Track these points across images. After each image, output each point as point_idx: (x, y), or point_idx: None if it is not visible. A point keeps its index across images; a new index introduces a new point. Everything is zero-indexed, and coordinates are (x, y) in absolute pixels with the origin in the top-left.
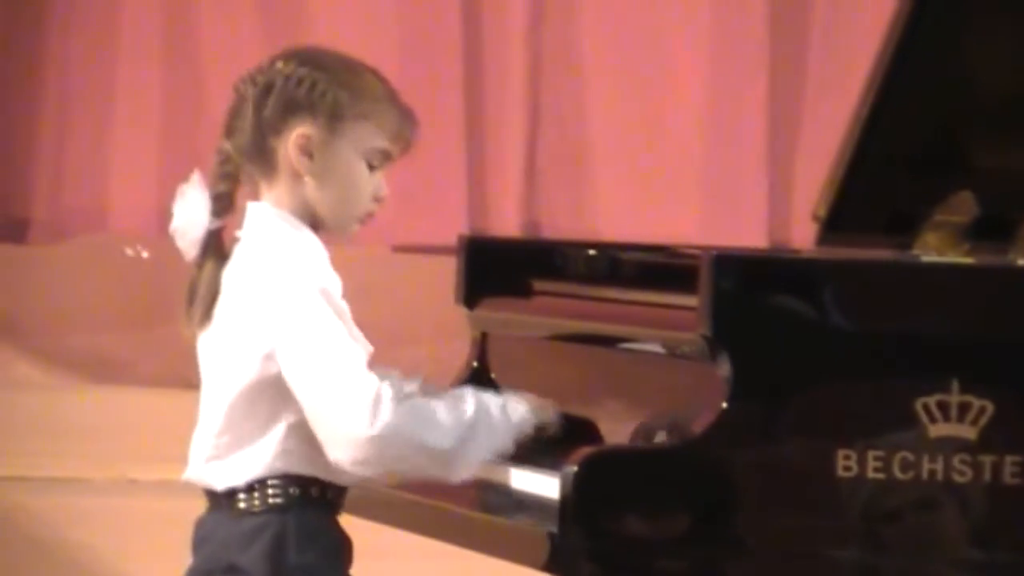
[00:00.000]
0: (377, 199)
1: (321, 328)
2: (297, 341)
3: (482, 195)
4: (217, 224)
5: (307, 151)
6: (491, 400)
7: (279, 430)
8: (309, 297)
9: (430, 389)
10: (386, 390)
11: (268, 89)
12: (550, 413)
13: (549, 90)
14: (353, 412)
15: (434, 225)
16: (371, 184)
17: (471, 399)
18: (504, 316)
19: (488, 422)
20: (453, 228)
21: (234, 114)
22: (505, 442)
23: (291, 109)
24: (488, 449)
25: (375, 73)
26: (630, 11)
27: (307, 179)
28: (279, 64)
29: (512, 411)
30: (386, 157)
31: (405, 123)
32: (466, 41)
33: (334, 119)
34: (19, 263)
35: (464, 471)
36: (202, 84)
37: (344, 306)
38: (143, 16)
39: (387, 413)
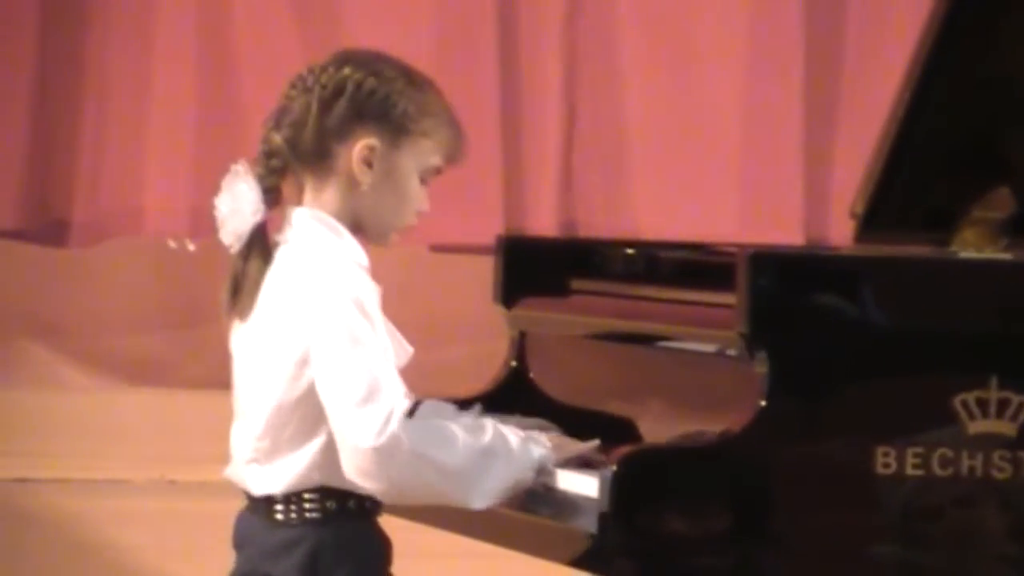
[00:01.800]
0: (419, 212)
1: (348, 338)
2: (325, 349)
3: (519, 194)
4: (264, 217)
5: (368, 161)
6: (511, 432)
7: (318, 442)
8: (342, 306)
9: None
10: (401, 403)
11: (337, 94)
12: (572, 451)
13: (585, 88)
14: (361, 422)
15: (471, 224)
16: (419, 198)
17: (490, 428)
18: (542, 315)
19: (507, 452)
20: (490, 227)
21: (289, 109)
22: (524, 475)
23: (360, 118)
24: (506, 479)
25: (436, 88)
26: (666, 9)
27: (363, 188)
28: (347, 69)
29: (533, 447)
30: (436, 173)
31: (459, 141)
32: (501, 39)
33: (399, 133)
34: (59, 266)
35: (481, 498)
36: (237, 85)
37: (379, 316)
38: (178, 19)
39: (395, 425)
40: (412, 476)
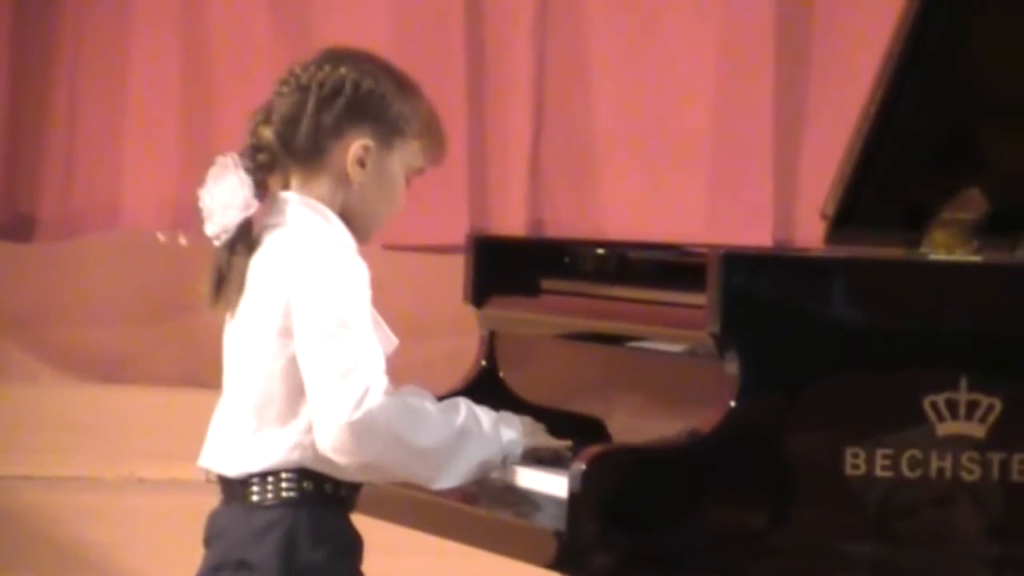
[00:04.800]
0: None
1: (336, 317)
2: (311, 326)
3: (484, 194)
4: (253, 211)
5: (363, 161)
6: (485, 415)
7: (300, 422)
8: (332, 285)
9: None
10: (379, 382)
11: (336, 93)
12: (543, 440)
13: (553, 87)
14: (338, 397)
15: (436, 224)
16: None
17: (464, 409)
18: (513, 315)
19: (478, 434)
20: (455, 227)
21: (280, 105)
22: (493, 457)
23: (355, 118)
24: (474, 461)
25: (422, 91)
26: (636, 8)
27: (354, 187)
28: (343, 69)
29: (505, 429)
30: (419, 173)
31: (442, 145)
32: (468, 36)
33: (393, 134)
34: (27, 261)
35: (447, 479)
36: (214, 78)
37: (367, 298)
38: (156, 8)
39: (371, 402)
40: (384, 454)
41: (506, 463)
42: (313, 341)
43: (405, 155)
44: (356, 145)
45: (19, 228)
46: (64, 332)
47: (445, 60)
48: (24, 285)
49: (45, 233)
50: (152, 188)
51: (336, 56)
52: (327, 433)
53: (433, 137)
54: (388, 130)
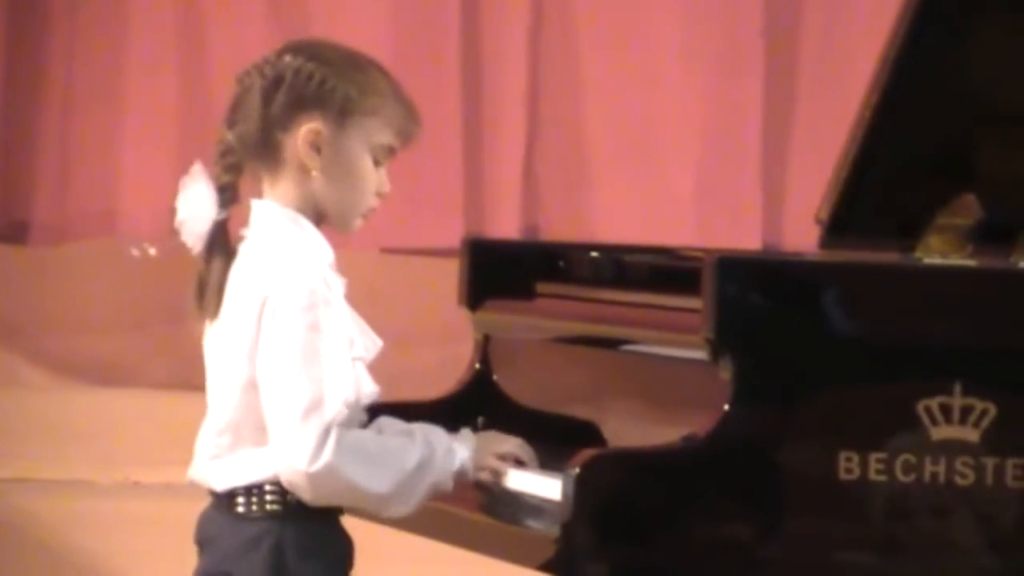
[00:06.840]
0: (380, 194)
1: (298, 351)
2: (273, 359)
3: (479, 198)
4: (223, 216)
5: (316, 146)
6: (438, 442)
7: None
8: (295, 314)
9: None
10: (339, 420)
11: (277, 83)
12: (489, 462)
13: (547, 94)
14: (298, 442)
15: (431, 228)
16: (375, 179)
17: (419, 441)
18: (507, 318)
19: (430, 467)
20: (449, 231)
21: (238, 105)
22: (444, 483)
23: (300, 104)
24: (425, 491)
25: (380, 68)
26: (628, 17)
27: (314, 174)
28: (287, 58)
29: (456, 452)
30: (390, 152)
31: (409, 118)
32: (464, 44)
33: (343, 115)
34: (21, 266)
35: (397, 510)
36: (212, 83)
37: (341, 311)
38: (151, 15)
39: (328, 454)
40: (336, 496)
41: (460, 479)
42: (274, 378)
43: (363, 134)
44: (304, 131)
45: (13, 233)
46: (58, 337)
47: (441, 67)
48: (18, 290)
49: (39, 239)
50: (146, 194)
51: (285, 47)
52: (284, 474)
53: (395, 111)
54: (337, 112)
